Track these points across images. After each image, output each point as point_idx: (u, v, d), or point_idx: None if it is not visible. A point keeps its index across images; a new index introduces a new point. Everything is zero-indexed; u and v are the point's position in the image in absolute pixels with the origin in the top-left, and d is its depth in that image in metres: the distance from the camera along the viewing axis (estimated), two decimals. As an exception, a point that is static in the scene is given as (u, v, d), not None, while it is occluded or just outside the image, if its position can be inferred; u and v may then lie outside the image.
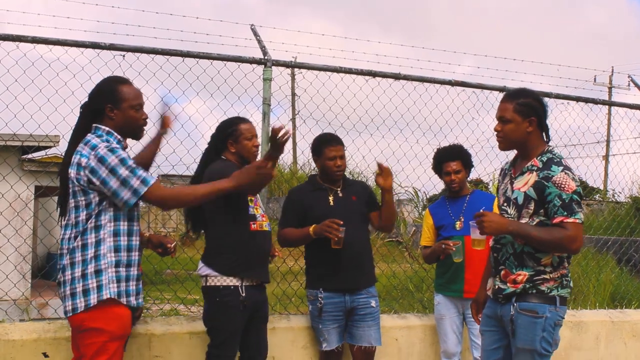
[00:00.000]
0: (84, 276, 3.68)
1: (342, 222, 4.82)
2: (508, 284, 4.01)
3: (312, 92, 6.23)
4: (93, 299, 3.66)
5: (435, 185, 5.79)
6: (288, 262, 6.31)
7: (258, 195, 4.72)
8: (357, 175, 16.26)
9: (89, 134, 3.79)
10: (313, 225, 4.91)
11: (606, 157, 28.67)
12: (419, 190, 9.97)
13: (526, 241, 3.95)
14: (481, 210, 4.04)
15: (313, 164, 5.59)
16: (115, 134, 3.82)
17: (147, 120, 3.99)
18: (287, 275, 6.28)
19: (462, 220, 5.41)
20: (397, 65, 6.40)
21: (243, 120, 4.83)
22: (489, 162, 8.42)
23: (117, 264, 3.73)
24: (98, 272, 3.68)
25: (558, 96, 7.17)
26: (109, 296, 3.67)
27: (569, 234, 3.84)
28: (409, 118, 6.67)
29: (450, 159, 5.46)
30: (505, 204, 4.10)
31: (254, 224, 4.57)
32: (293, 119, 32.52)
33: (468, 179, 5.73)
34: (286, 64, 6.04)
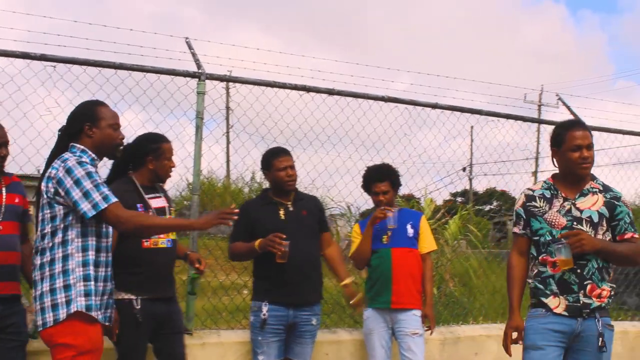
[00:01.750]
0: (52, 291, 3.70)
1: (285, 236, 4.84)
2: (593, 298, 4.24)
3: (246, 106, 6.24)
4: (62, 313, 3.68)
5: (367, 200, 5.83)
6: (219, 276, 6.28)
7: (166, 211, 4.72)
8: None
9: (65, 153, 3.88)
10: (259, 240, 4.92)
11: (535, 174, 29.24)
12: (351, 205, 10.01)
13: (608, 257, 4.29)
14: (573, 230, 4.26)
15: (247, 178, 5.60)
16: (90, 152, 3.92)
17: (124, 140, 4.11)
18: (217, 290, 6.25)
19: (389, 235, 5.48)
20: (331, 80, 6.41)
21: (166, 139, 4.87)
22: (420, 177, 8.50)
23: (86, 278, 3.75)
24: (67, 287, 3.71)
25: (489, 113, 7.30)
26: (77, 309, 3.68)
27: None
28: (342, 133, 6.73)
29: (379, 180, 5.55)
30: (576, 223, 4.31)
31: (146, 241, 4.56)
32: (227, 133, 32.41)
33: (401, 194, 5.82)
34: (220, 78, 6.02)
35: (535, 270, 4.41)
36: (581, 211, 4.33)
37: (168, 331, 4.67)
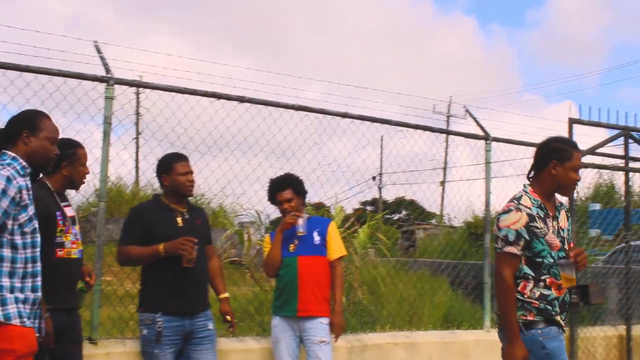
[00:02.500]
0: None
1: (196, 240, 4.80)
2: None
3: (156, 112, 6.16)
4: None
5: (276, 208, 5.83)
6: (125, 284, 6.18)
7: (75, 220, 4.63)
8: (200, 198, 16.14)
9: None
10: (162, 243, 4.85)
11: (443, 183, 29.81)
12: (261, 213, 10.03)
13: None
14: (578, 249, 4.41)
15: (156, 185, 5.52)
16: (21, 160, 3.82)
17: (56, 155, 4.04)
18: (124, 299, 6.14)
19: (296, 243, 5.51)
20: (242, 88, 6.37)
21: (80, 144, 4.78)
22: (330, 186, 8.57)
23: (15, 290, 3.70)
24: None
25: (398, 123, 7.38)
26: (9, 316, 3.63)
27: None
28: (252, 141, 6.71)
29: (281, 189, 5.59)
30: (564, 244, 4.38)
31: (60, 251, 4.47)
32: (136, 139, 31.99)
33: (311, 202, 5.84)
34: (129, 83, 5.93)
35: (538, 293, 4.29)
36: (562, 229, 4.41)
37: (67, 340, 4.54)
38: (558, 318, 4.31)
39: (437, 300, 11.33)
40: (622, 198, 9.19)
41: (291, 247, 5.52)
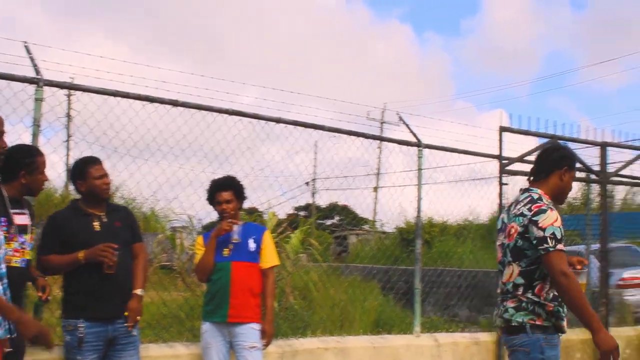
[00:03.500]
0: None
1: (116, 246, 4.74)
2: None
3: (87, 115, 6.07)
4: None
5: (209, 213, 5.81)
6: (53, 290, 6.06)
7: (27, 229, 4.54)
8: (131, 201, 15.93)
9: None
10: (82, 251, 4.78)
11: (376, 189, 30.01)
12: (194, 217, 9.96)
13: None
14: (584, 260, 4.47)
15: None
16: None
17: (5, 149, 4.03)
18: (51, 304, 6.03)
19: (231, 248, 5.50)
20: (176, 92, 6.33)
21: (39, 152, 4.75)
22: (263, 191, 8.57)
23: None
24: None
25: (331, 129, 7.43)
26: None
27: None
28: (185, 145, 6.67)
29: (223, 189, 5.59)
30: None
31: None
32: (67, 142, 31.40)
33: (244, 207, 5.84)
34: (60, 85, 5.82)
35: (552, 294, 4.33)
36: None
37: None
38: (564, 323, 4.38)
39: (368, 305, 11.39)
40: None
41: (225, 251, 5.51)
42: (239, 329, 5.40)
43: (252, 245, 5.57)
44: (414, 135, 7.91)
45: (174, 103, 6.34)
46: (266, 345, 5.57)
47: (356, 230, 31.65)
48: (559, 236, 4.21)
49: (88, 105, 6.02)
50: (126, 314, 5.00)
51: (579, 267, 4.53)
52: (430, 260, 15.61)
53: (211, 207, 5.73)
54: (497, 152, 8.09)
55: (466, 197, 9.34)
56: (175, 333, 7.04)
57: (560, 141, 8.37)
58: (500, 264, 4.56)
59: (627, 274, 13.19)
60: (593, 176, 8.91)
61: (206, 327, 5.50)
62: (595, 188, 9.56)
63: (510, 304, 4.40)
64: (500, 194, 7.94)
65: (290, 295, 10.36)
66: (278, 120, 6.95)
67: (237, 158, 7.07)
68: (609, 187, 9.16)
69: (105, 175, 5.06)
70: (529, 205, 4.35)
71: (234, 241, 5.45)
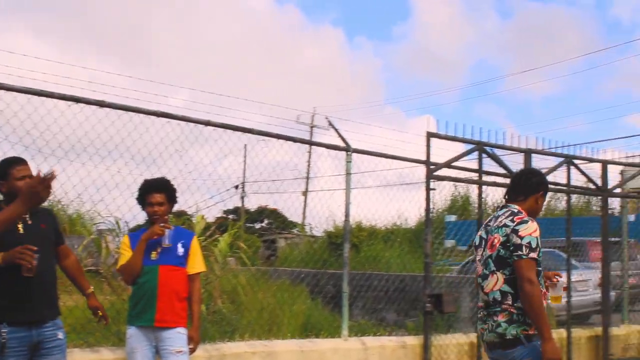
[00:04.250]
0: None
1: (36, 249, 4.62)
2: None
3: (10, 114, 5.92)
4: None
5: (135, 215, 5.73)
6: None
7: None
8: (56, 204, 15.59)
9: None
10: (1, 253, 4.64)
11: (305, 193, 30.09)
12: (120, 220, 9.81)
13: None
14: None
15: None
16: None
17: None
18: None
19: (159, 251, 5.44)
20: (103, 92, 6.25)
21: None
22: (190, 194, 8.49)
23: None
24: None
25: (260, 133, 7.44)
26: None
27: None
28: (112, 147, 6.56)
29: (155, 191, 5.52)
30: None
31: None
32: (-11, 140, 30.68)
33: (172, 211, 5.77)
34: (-20, 83, 5.69)
35: None
36: None
37: None
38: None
39: (296, 309, 11.38)
40: (476, 210, 9.55)
41: (153, 254, 5.44)
42: (166, 334, 5.33)
43: (180, 249, 5.51)
44: (343, 139, 7.96)
45: (100, 104, 6.25)
46: (192, 351, 5.52)
47: (285, 234, 31.68)
48: (534, 245, 4.50)
49: (11, 105, 5.88)
50: (100, 313, 5.17)
51: (554, 279, 4.94)
52: (359, 264, 15.73)
53: (139, 208, 5.65)
54: (424, 158, 8.18)
55: (394, 201, 9.45)
56: (100, 337, 6.91)
57: (487, 147, 8.53)
58: (481, 277, 4.79)
59: None
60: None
61: (132, 331, 5.42)
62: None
63: (501, 318, 4.59)
64: (428, 199, 8.04)
65: (218, 298, 10.28)
66: (207, 123, 6.92)
67: (164, 160, 7.01)
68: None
69: (28, 176, 4.93)
70: (511, 217, 4.67)
71: (165, 246, 5.39)
